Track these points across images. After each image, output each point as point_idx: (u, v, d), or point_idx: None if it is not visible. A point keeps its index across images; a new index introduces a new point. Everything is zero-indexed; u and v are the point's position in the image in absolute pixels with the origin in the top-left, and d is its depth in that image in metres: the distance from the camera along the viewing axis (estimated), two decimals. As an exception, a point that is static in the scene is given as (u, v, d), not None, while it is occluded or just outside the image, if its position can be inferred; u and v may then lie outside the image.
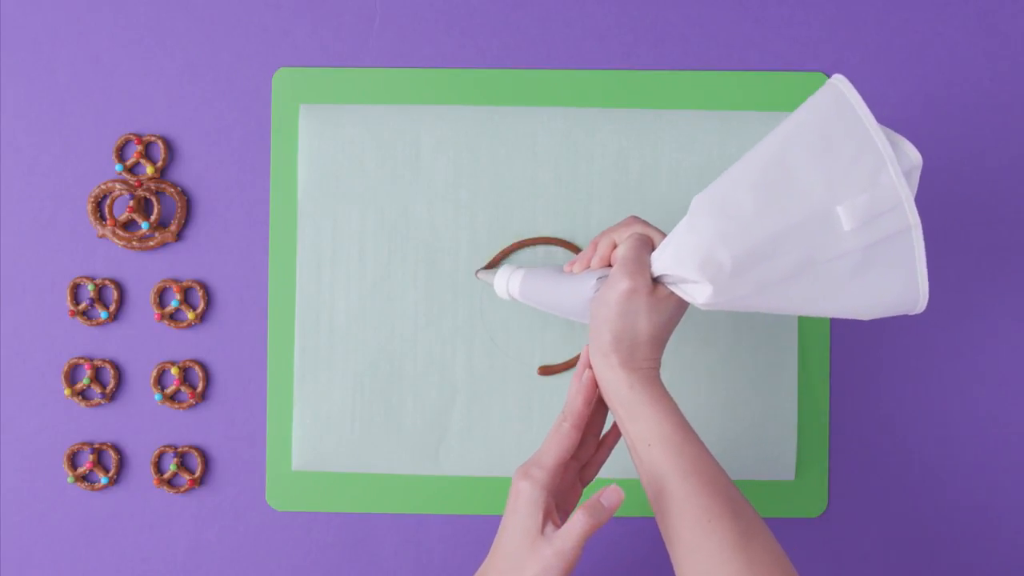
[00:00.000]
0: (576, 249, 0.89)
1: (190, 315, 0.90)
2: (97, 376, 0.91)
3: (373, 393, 0.90)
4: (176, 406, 0.90)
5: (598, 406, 0.77)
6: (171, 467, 0.90)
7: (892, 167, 0.68)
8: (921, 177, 0.90)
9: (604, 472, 0.80)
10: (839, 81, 0.70)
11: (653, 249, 0.74)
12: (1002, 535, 0.90)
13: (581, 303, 0.77)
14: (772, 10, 0.91)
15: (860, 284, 0.69)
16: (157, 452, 0.90)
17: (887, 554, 0.90)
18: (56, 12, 0.91)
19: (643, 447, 0.72)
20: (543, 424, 0.89)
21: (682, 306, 0.74)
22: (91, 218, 0.90)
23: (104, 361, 0.90)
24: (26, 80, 0.91)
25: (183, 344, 0.91)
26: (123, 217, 0.90)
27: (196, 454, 0.90)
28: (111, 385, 0.90)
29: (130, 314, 0.91)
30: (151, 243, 0.90)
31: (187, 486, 0.90)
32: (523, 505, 0.70)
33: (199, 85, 0.91)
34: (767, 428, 0.89)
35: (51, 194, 0.91)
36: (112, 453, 0.90)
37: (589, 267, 0.78)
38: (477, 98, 0.90)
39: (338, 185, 0.90)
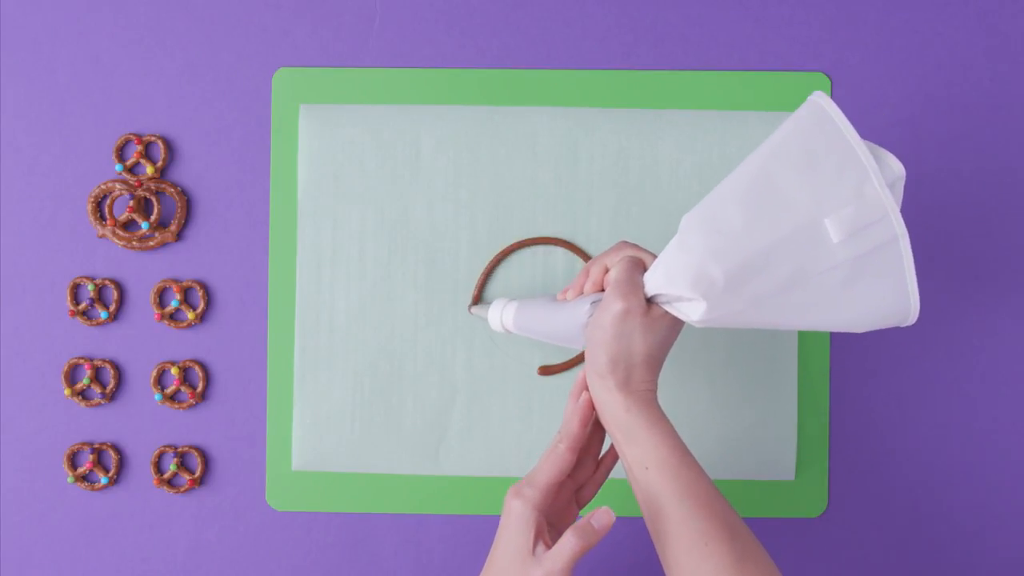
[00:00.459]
0: (576, 249, 0.89)
1: (190, 315, 0.90)
2: (97, 376, 0.91)
3: (373, 393, 0.90)
4: (176, 406, 0.90)
5: (595, 428, 0.77)
6: (171, 467, 0.90)
7: (876, 179, 0.69)
8: (921, 177, 0.90)
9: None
10: (819, 98, 0.71)
11: (645, 271, 0.75)
12: (1001, 535, 0.90)
13: (576, 329, 0.77)
14: (772, 10, 0.91)
15: (851, 296, 0.70)
16: (157, 452, 0.90)
17: (887, 554, 0.90)
18: (56, 12, 0.91)
19: (640, 470, 0.72)
20: (543, 424, 0.89)
21: (677, 326, 0.74)
22: (91, 218, 0.90)
23: (104, 361, 0.90)
24: (26, 80, 0.91)
25: (183, 344, 0.91)
26: (123, 217, 0.90)
27: (196, 454, 0.90)
28: (111, 385, 0.90)
29: (130, 314, 0.91)
30: (151, 243, 0.90)
31: (187, 486, 0.90)
32: (514, 523, 0.70)
33: (199, 85, 0.91)
34: (767, 428, 0.89)
35: (51, 194, 0.91)
36: (112, 453, 0.90)
37: (582, 293, 0.78)
38: (477, 98, 0.90)
39: (338, 185, 0.90)
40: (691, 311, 0.71)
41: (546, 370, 0.89)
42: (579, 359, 0.89)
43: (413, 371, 0.90)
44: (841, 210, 0.68)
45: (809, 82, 0.90)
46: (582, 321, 0.76)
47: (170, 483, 0.90)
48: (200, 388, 0.90)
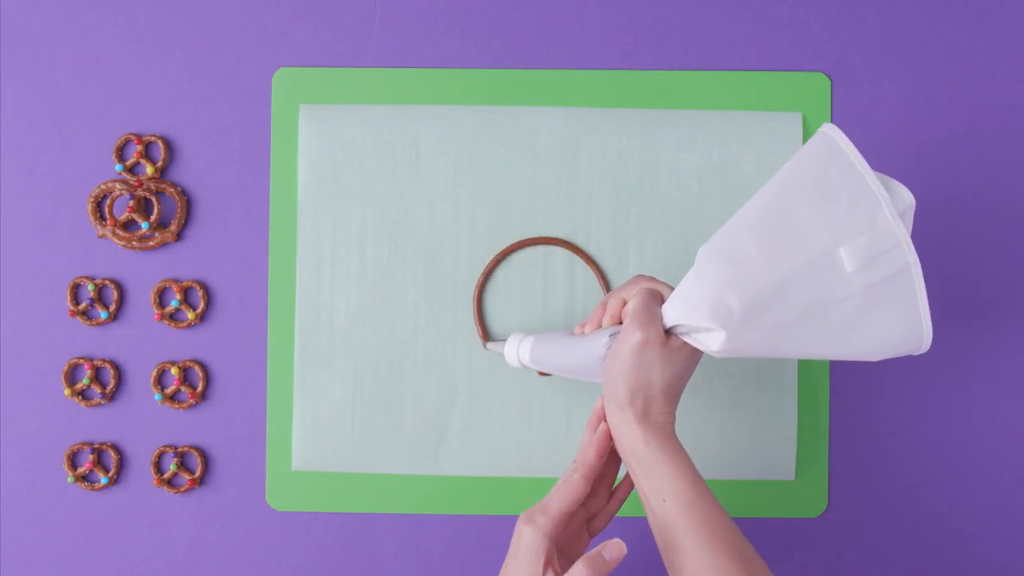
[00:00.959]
0: (576, 249, 0.89)
1: (190, 315, 0.90)
2: (97, 376, 0.91)
3: (373, 393, 0.90)
4: (176, 406, 0.90)
5: (611, 458, 0.77)
6: (171, 467, 0.90)
7: (887, 208, 0.70)
8: (921, 177, 0.90)
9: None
10: (830, 129, 0.72)
11: (663, 302, 0.75)
12: (1001, 535, 0.90)
13: (594, 362, 0.77)
14: (772, 10, 0.91)
15: (866, 325, 0.71)
16: (157, 452, 0.90)
17: (887, 554, 0.90)
18: (56, 12, 0.91)
19: (657, 502, 0.72)
20: (543, 424, 0.89)
21: (695, 357, 0.75)
22: (91, 218, 0.90)
23: (104, 361, 0.90)
24: (26, 80, 0.91)
25: (183, 344, 0.91)
26: (123, 217, 0.90)
27: (196, 454, 0.90)
28: (111, 385, 0.90)
29: (130, 314, 0.91)
30: (151, 243, 0.90)
31: (187, 486, 0.90)
32: (524, 551, 0.71)
33: (199, 85, 0.91)
34: (767, 428, 0.89)
35: (51, 194, 0.91)
36: (112, 453, 0.90)
37: (600, 327, 0.78)
38: (477, 98, 0.90)
39: (338, 185, 0.90)
40: (710, 341, 0.72)
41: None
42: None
43: (413, 371, 0.90)
44: (855, 239, 0.69)
45: (809, 82, 0.90)
46: (600, 354, 0.76)
47: (170, 483, 0.90)
48: (200, 388, 0.90)
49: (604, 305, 0.79)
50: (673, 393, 0.74)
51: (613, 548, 0.69)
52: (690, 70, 0.91)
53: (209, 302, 0.91)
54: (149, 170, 0.90)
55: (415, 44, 0.91)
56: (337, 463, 0.90)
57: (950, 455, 0.90)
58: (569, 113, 0.90)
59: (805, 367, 0.90)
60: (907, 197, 0.71)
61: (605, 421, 0.75)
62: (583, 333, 0.79)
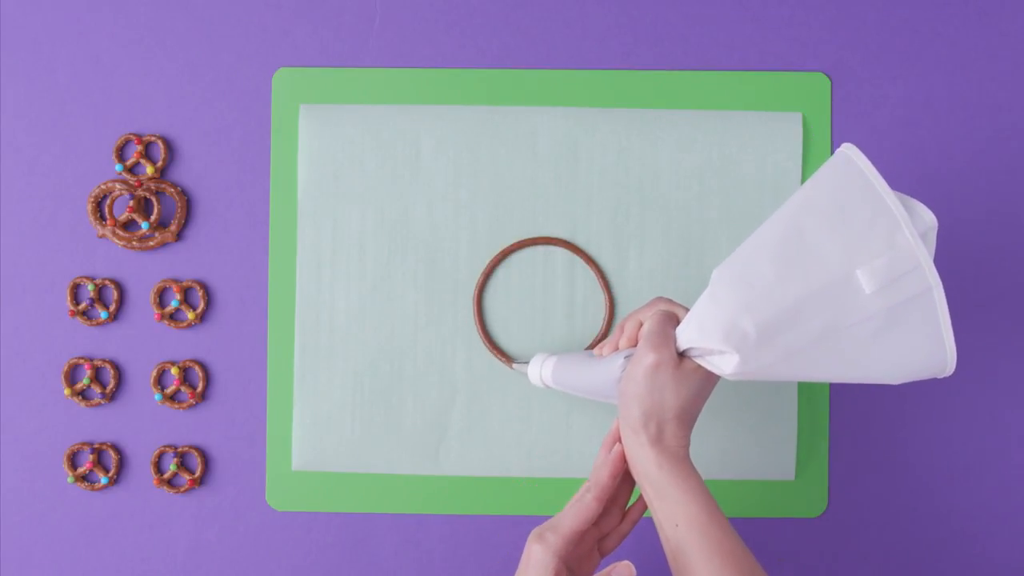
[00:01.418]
0: (576, 249, 0.89)
1: (190, 315, 0.90)
2: (97, 376, 0.91)
3: (373, 393, 0.90)
4: (176, 406, 0.90)
5: (625, 478, 0.77)
6: (171, 467, 0.90)
7: (907, 229, 0.69)
8: (921, 177, 0.90)
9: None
10: (848, 149, 0.71)
11: (678, 324, 0.75)
12: (1001, 535, 0.90)
13: (610, 384, 0.77)
14: (772, 10, 0.91)
15: (886, 348, 0.70)
16: (157, 452, 0.90)
17: (887, 554, 0.90)
18: (56, 12, 0.91)
19: (670, 526, 0.72)
20: (543, 424, 0.89)
21: (710, 381, 0.74)
22: (91, 218, 0.90)
23: (104, 361, 0.90)
24: (26, 80, 0.91)
25: (183, 344, 0.91)
26: (123, 217, 0.90)
27: (196, 454, 0.90)
28: (111, 385, 0.90)
29: (130, 314, 0.91)
30: (151, 243, 0.90)
31: (187, 486, 0.90)
32: (533, 568, 0.71)
33: (199, 85, 0.91)
34: (767, 428, 0.89)
35: (51, 194, 0.91)
36: (112, 453, 0.90)
37: (617, 348, 0.78)
38: (477, 98, 0.90)
39: (338, 185, 0.90)
40: (724, 364, 0.71)
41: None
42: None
43: (413, 371, 0.90)
44: (873, 261, 0.68)
45: (809, 82, 0.90)
46: (616, 376, 0.76)
47: (170, 483, 0.90)
48: (200, 388, 0.90)
49: (622, 327, 0.78)
50: (687, 417, 0.73)
51: (623, 570, 0.70)
52: (690, 70, 0.91)
53: (209, 302, 0.91)
54: (149, 170, 0.90)
55: (415, 44, 0.91)
56: (337, 463, 0.90)
57: (950, 455, 0.90)
58: (569, 113, 0.90)
59: (805, 367, 0.90)
60: (928, 217, 0.70)
61: (620, 442, 0.75)
62: (601, 355, 0.79)
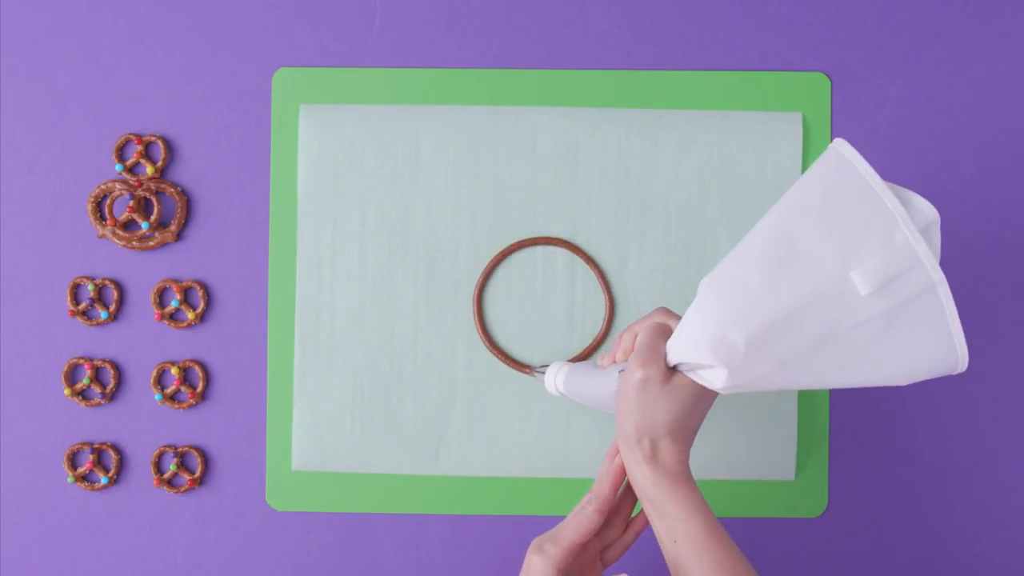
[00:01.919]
0: (576, 249, 0.89)
1: (190, 315, 0.90)
2: (97, 376, 0.91)
3: (373, 393, 0.90)
4: (176, 406, 0.90)
5: (628, 490, 0.76)
6: (171, 467, 0.90)
7: (904, 224, 0.65)
8: (921, 177, 0.90)
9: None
10: (840, 145, 0.68)
11: (670, 337, 0.72)
12: (1002, 535, 0.90)
13: (609, 396, 0.76)
14: (772, 10, 0.91)
15: (890, 349, 0.67)
16: (157, 452, 0.90)
17: (887, 554, 0.90)
18: (56, 12, 0.91)
19: (668, 542, 0.71)
20: (543, 424, 0.89)
21: (705, 395, 0.71)
22: (91, 218, 0.90)
23: (104, 361, 0.90)
24: (26, 80, 0.91)
25: (183, 344, 0.91)
26: (123, 217, 0.90)
27: (196, 454, 0.90)
28: (111, 385, 0.90)
29: (130, 314, 0.91)
30: (151, 243, 0.90)
31: (187, 486, 0.90)
32: None
33: (199, 85, 0.91)
34: (767, 428, 0.89)
35: (51, 194, 0.91)
36: (112, 453, 0.90)
37: (615, 361, 0.77)
38: (477, 98, 0.90)
39: (338, 185, 0.90)
40: (714, 378, 0.68)
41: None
42: (580, 358, 0.89)
43: (413, 371, 0.90)
44: (868, 260, 0.65)
45: (809, 82, 0.90)
46: (612, 389, 0.75)
47: (170, 483, 0.90)
48: (200, 388, 0.90)
49: (620, 339, 0.76)
50: (683, 433, 0.71)
51: None
52: (690, 70, 0.91)
53: (209, 302, 0.91)
54: (149, 170, 0.90)
55: (415, 44, 0.91)
56: (337, 463, 0.90)
57: (950, 455, 0.90)
58: (569, 113, 0.90)
59: (805, 367, 0.90)
60: (928, 211, 0.67)
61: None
62: (602, 365, 0.78)
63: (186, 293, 0.91)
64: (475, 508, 0.90)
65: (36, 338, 0.90)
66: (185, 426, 0.91)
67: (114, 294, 0.90)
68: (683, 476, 0.71)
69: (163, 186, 0.90)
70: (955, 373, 0.68)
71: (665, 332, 0.73)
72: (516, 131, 0.90)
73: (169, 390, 0.90)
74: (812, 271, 0.66)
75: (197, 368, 0.90)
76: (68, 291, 0.90)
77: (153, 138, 0.90)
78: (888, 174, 0.90)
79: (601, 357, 0.79)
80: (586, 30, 0.91)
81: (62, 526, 0.90)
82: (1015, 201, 0.91)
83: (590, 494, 0.74)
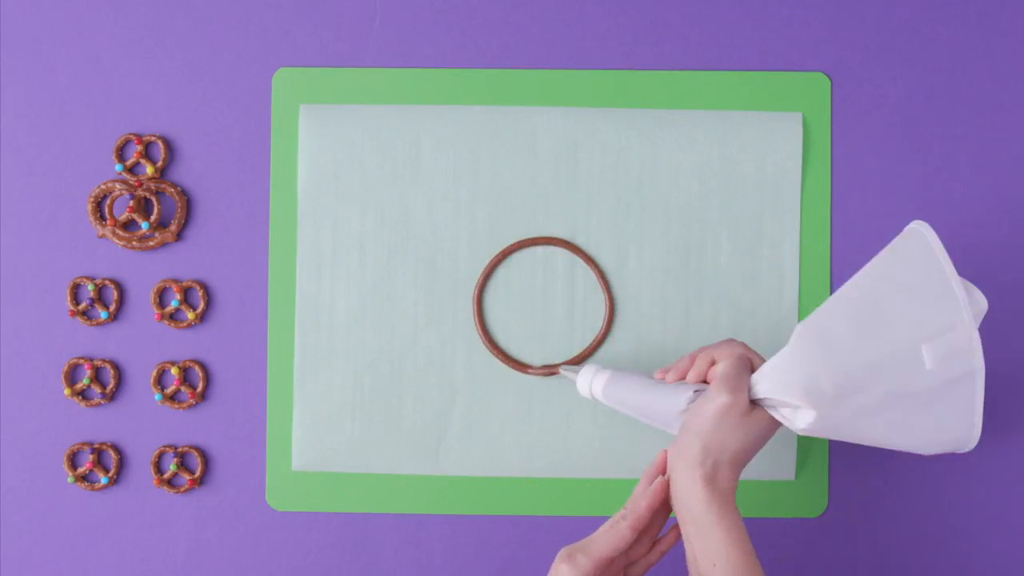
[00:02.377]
0: (576, 249, 0.89)
1: (190, 315, 0.90)
2: (97, 376, 0.91)
3: (373, 393, 0.90)
4: (176, 406, 0.90)
5: (661, 510, 0.77)
6: (171, 467, 0.90)
7: (966, 313, 0.73)
8: (921, 176, 0.90)
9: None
10: (921, 227, 0.76)
11: (752, 371, 0.76)
12: (1002, 535, 0.90)
13: (672, 413, 0.77)
14: (772, 10, 0.91)
15: (927, 420, 0.74)
16: (157, 452, 0.90)
17: (887, 554, 0.90)
18: (56, 12, 0.91)
19: (707, 565, 0.73)
20: (543, 424, 0.89)
21: (771, 430, 0.76)
22: (91, 218, 0.90)
23: (104, 361, 0.90)
24: (26, 80, 0.91)
25: (183, 344, 0.91)
26: (123, 217, 0.90)
27: (196, 454, 0.90)
28: (111, 385, 0.90)
29: (130, 314, 0.91)
30: (151, 243, 0.90)
31: (187, 486, 0.90)
32: None
33: (199, 85, 0.91)
34: (767, 428, 0.89)
35: (51, 194, 0.91)
36: (112, 453, 0.90)
37: (684, 379, 0.79)
38: (477, 98, 0.90)
39: (338, 185, 0.90)
40: (797, 419, 0.74)
41: (547, 370, 0.89)
42: (580, 358, 0.89)
43: (413, 371, 0.90)
44: (937, 337, 0.72)
45: (809, 82, 0.90)
46: (681, 407, 0.77)
47: (170, 483, 0.90)
48: (200, 388, 0.90)
49: (692, 358, 0.79)
50: (742, 461, 0.75)
51: None
52: (690, 70, 0.91)
53: (209, 302, 0.91)
54: (149, 170, 0.90)
55: (415, 44, 0.91)
56: (337, 463, 0.90)
57: (950, 454, 0.90)
58: (569, 113, 0.90)
59: (805, 367, 0.90)
60: (982, 303, 0.75)
61: (663, 475, 0.76)
62: (663, 379, 0.80)
63: (186, 293, 0.91)
64: (475, 508, 0.90)
65: (36, 338, 0.90)
66: (185, 426, 0.91)
67: (114, 294, 0.90)
68: (732, 503, 0.74)
69: (163, 186, 0.90)
70: (962, 451, 0.77)
71: (748, 364, 0.77)
72: (516, 131, 0.90)
73: (169, 390, 0.90)
74: (892, 335, 0.73)
75: (197, 368, 0.90)
76: (68, 291, 0.90)
77: (153, 138, 0.90)
78: (888, 174, 0.90)
79: (663, 371, 0.80)
80: (586, 30, 0.91)
81: (62, 526, 0.90)
82: (1016, 201, 0.90)
83: (624, 510, 0.75)
